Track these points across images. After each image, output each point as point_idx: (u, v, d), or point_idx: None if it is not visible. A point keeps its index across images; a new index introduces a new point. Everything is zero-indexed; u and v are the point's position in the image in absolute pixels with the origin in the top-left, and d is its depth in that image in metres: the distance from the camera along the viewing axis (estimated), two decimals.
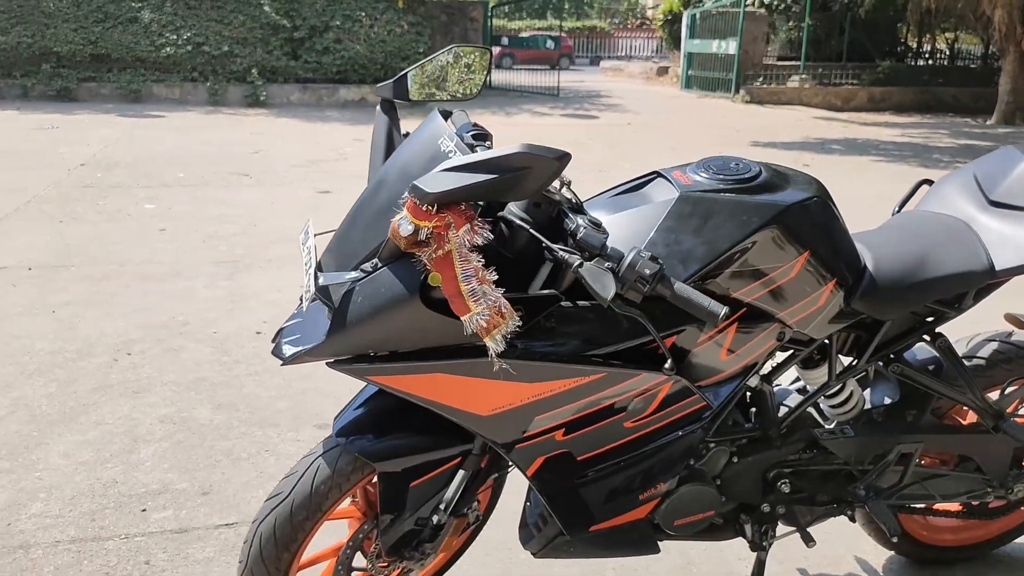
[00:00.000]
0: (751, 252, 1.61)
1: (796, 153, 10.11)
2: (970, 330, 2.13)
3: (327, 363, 1.56)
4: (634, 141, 10.91)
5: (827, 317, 1.77)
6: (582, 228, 1.51)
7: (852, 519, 2.04)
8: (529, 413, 1.59)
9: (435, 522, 1.78)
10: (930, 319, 1.91)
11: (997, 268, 1.81)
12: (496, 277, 1.41)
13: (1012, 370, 2.03)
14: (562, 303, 1.55)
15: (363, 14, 14.30)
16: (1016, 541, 2.37)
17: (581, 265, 1.43)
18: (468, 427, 1.61)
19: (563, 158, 1.36)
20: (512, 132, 11.39)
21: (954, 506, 2.19)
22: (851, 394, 1.99)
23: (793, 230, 1.64)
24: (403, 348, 1.53)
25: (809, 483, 1.96)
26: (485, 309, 1.37)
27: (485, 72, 1.86)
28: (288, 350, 1.56)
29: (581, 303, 1.56)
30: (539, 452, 1.65)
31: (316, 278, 1.52)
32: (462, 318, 1.38)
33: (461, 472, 1.77)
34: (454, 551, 2.06)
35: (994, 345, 2.05)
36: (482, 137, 1.83)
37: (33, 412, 3.05)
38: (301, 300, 1.57)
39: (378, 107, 1.84)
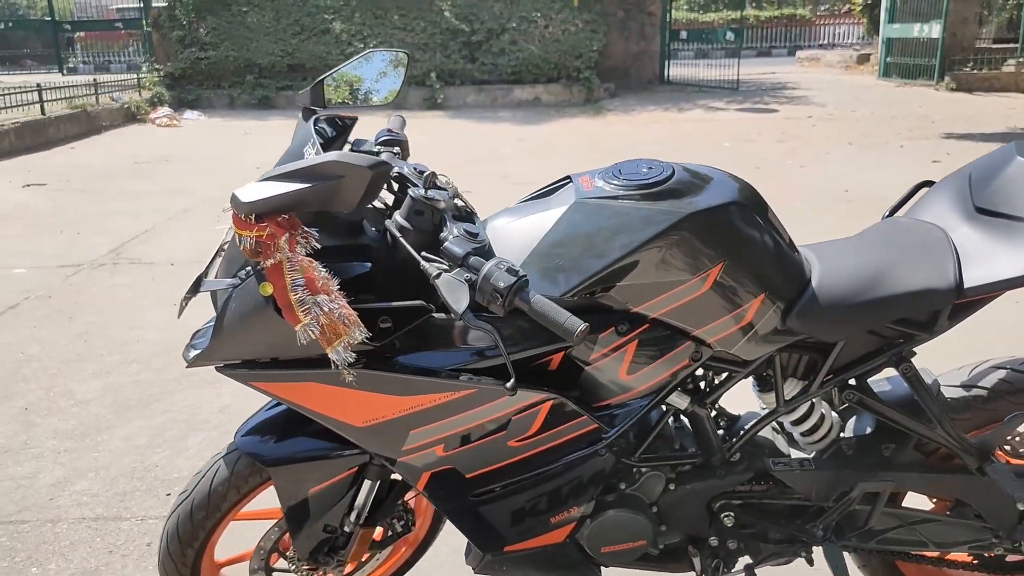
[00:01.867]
0: (649, 263, 1.47)
1: (993, 145, 9.09)
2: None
3: (215, 368, 1.59)
4: (808, 136, 10.26)
5: (759, 336, 1.58)
6: (450, 237, 1.46)
7: (809, 562, 1.80)
8: (403, 426, 1.54)
9: (346, 530, 1.78)
10: (901, 341, 1.66)
11: (965, 286, 1.54)
12: (337, 287, 1.38)
13: (1019, 403, 1.71)
14: (434, 315, 1.49)
15: (538, 15, 14.44)
16: None
17: (439, 276, 1.38)
18: (347, 437, 1.59)
19: (377, 166, 1.31)
20: (678, 128, 11.11)
21: (965, 557, 1.89)
22: (820, 422, 1.77)
23: (701, 239, 1.48)
24: (280, 356, 1.53)
25: (760, 517, 1.76)
26: (314, 320, 1.35)
27: (403, 76, 1.82)
28: (190, 353, 1.61)
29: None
30: (423, 467, 1.60)
31: (198, 283, 1.56)
32: (295, 328, 1.37)
33: (368, 482, 1.75)
34: (399, 561, 2.04)
35: (1000, 374, 1.73)
36: (392, 144, 1.80)
37: (117, 397, 3.35)
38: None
39: (300, 115, 1.85)
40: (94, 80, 12.65)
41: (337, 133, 1.74)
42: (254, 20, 14.40)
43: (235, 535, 1.85)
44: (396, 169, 1.66)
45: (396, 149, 1.78)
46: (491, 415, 1.53)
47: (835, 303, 1.57)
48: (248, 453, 1.68)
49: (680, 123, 11.70)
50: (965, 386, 1.74)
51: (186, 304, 1.56)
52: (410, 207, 1.52)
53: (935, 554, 1.85)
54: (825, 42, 27.25)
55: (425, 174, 1.55)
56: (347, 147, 1.78)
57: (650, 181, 1.53)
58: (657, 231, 1.46)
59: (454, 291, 1.35)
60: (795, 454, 1.80)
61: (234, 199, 1.33)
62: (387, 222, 1.54)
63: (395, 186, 1.67)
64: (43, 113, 10.48)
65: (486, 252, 1.47)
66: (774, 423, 1.85)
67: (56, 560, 2.33)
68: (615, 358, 1.55)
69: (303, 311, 1.34)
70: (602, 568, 1.80)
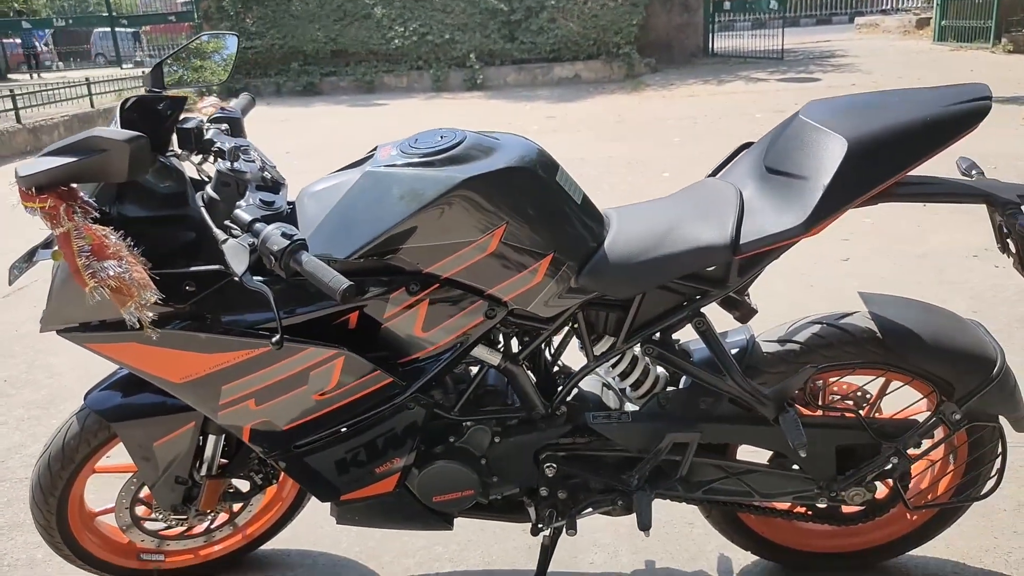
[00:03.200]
0: (428, 226, 1.55)
1: None
2: None
3: (56, 332, 1.73)
4: None
5: (553, 294, 1.65)
6: (243, 205, 1.57)
7: (627, 510, 1.85)
8: (215, 382, 1.66)
9: (197, 482, 1.91)
10: (698, 297, 1.70)
11: (741, 242, 1.57)
12: (128, 252, 1.49)
13: (831, 357, 1.74)
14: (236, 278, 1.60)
15: None
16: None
17: (225, 241, 1.50)
18: (171, 393, 1.71)
19: (134, 140, 1.42)
20: (713, 101, 10.95)
21: (801, 509, 1.93)
22: (643, 377, 1.83)
23: (480, 202, 1.56)
24: (104, 318, 1.66)
25: (581, 468, 1.83)
26: (99, 283, 1.46)
27: (233, 57, 1.92)
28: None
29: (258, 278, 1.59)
30: (241, 420, 1.71)
31: (32, 252, 1.70)
32: (84, 290, 1.49)
33: (212, 436, 1.88)
34: (275, 515, 2.17)
35: (814, 328, 1.76)
36: (221, 120, 1.91)
37: (87, 370, 3.56)
38: None
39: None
40: (143, 72, 13.12)
41: (171, 112, 1.85)
42: (298, 8, 14.70)
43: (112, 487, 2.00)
44: (218, 143, 1.78)
45: (224, 126, 1.89)
46: (289, 371, 1.64)
47: (622, 261, 1.63)
48: (94, 410, 1.83)
49: (717, 96, 11.52)
50: (780, 341, 1.77)
51: (19, 273, 1.70)
52: (217, 179, 1.64)
53: (768, 505, 1.89)
54: (888, 7, 26.27)
55: (229, 148, 1.66)
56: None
57: (437, 149, 1.61)
58: (434, 196, 1.54)
59: (236, 255, 1.46)
60: (623, 408, 1.86)
61: (16, 174, 1.46)
62: (198, 194, 1.66)
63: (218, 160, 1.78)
64: (92, 106, 10.97)
65: (275, 219, 1.57)
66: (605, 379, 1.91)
67: None
68: (409, 316, 1.64)
69: (88, 274, 1.46)
70: (454, 521, 1.91)
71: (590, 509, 1.86)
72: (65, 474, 1.88)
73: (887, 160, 1.54)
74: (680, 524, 2.24)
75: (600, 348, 1.77)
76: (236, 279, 1.44)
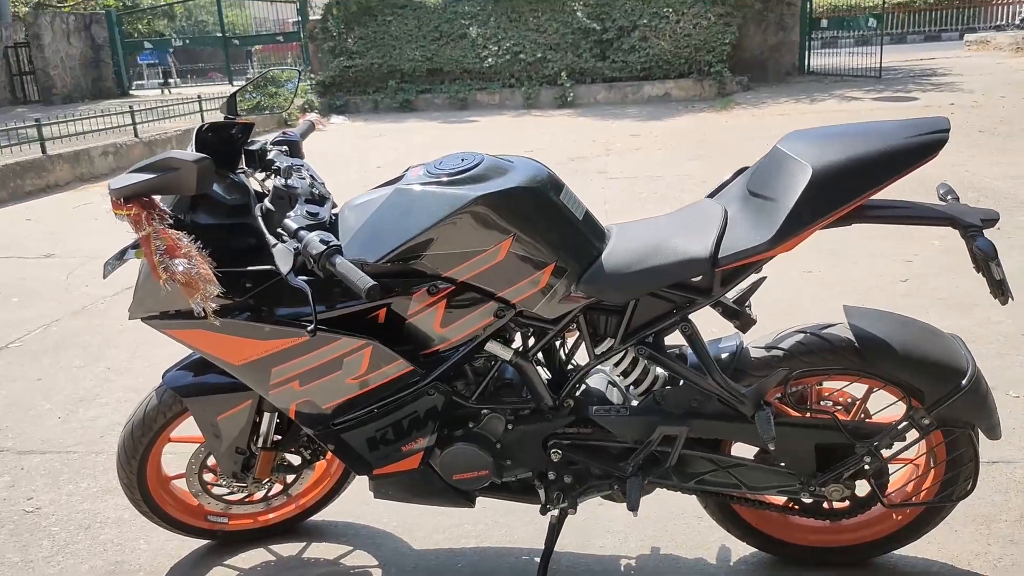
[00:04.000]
0: (446, 236, 1.80)
1: None
2: None
3: (141, 320, 2.05)
4: None
5: (556, 298, 1.87)
6: (291, 216, 1.86)
7: (622, 494, 2.04)
8: (267, 365, 1.94)
9: (254, 453, 2.21)
10: (688, 304, 1.90)
11: (719, 255, 1.76)
12: (198, 252, 1.80)
13: (810, 363, 1.90)
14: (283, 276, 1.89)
15: (670, 10, 14.44)
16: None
17: (275, 245, 1.79)
18: (231, 374, 2.01)
19: (200, 161, 1.71)
20: (802, 119, 10.89)
21: (788, 503, 2.09)
22: (643, 375, 2.03)
23: (491, 217, 1.79)
24: (180, 308, 1.97)
25: (583, 455, 2.04)
26: (170, 277, 1.77)
27: (296, 88, 2.22)
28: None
29: (302, 278, 1.88)
30: (288, 399, 1.99)
31: (123, 252, 2.03)
32: (159, 283, 1.80)
33: (267, 413, 2.18)
34: (324, 488, 2.45)
35: (798, 337, 1.93)
36: (282, 143, 2.21)
37: None
38: None
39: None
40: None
41: (241, 135, 2.16)
42: (397, 29, 15.29)
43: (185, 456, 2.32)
44: (277, 163, 2.08)
45: (284, 147, 2.18)
46: (326, 357, 1.91)
47: (616, 271, 1.84)
48: (170, 387, 2.15)
49: (807, 114, 11.43)
50: (767, 347, 1.95)
51: (112, 270, 2.03)
52: (273, 193, 1.94)
53: (757, 498, 2.06)
54: (1003, 22, 25.26)
55: (284, 167, 1.97)
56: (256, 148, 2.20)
57: (458, 169, 1.86)
58: (451, 210, 1.79)
59: (283, 257, 1.75)
60: (625, 404, 2.06)
61: (109, 188, 1.78)
62: (258, 205, 1.97)
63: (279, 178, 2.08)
64: (203, 120, 11.74)
65: (318, 227, 1.85)
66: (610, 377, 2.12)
67: (87, 480, 2.91)
68: (429, 313, 1.89)
69: (162, 269, 1.77)
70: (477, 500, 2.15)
71: (592, 492, 2.07)
72: (145, 440, 2.21)
73: (848, 186, 1.71)
74: (689, 517, 2.41)
75: (601, 348, 1.98)
76: (282, 277, 1.72)
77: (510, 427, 2.04)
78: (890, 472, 2.04)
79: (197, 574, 2.38)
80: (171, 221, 1.81)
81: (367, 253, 1.83)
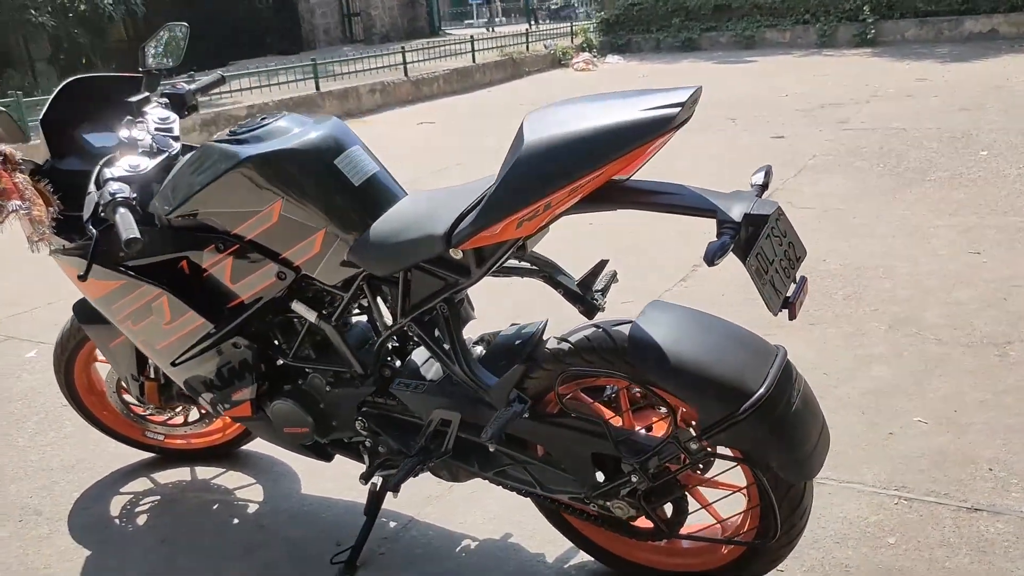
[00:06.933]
0: (220, 195, 1.80)
1: None
2: None
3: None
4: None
5: (332, 264, 1.80)
6: (110, 167, 1.96)
7: (436, 472, 1.93)
8: (107, 303, 2.08)
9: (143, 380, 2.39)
10: (458, 283, 1.71)
11: (454, 234, 1.58)
12: (31, 195, 1.97)
13: (590, 361, 1.62)
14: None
15: None
16: None
17: (89, 194, 1.91)
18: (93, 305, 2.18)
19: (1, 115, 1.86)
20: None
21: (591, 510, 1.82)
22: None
23: (259, 179, 1.76)
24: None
25: (383, 427, 1.94)
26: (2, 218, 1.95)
27: (185, 41, 2.27)
28: None
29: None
30: (132, 336, 2.12)
31: None
32: None
33: None
34: (233, 431, 2.57)
35: (589, 331, 1.65)
36: (170, 96, 2.27)
37: None
38: None
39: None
40: (526, 30, 14.27)
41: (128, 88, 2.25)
42: None
43: None
44: (140, 117, 2.17)
45: (165, 100, 2.24)
46: (139, 301, 2.00)
47: (375, 242, 1.72)
48: (74, 313, 2.38)
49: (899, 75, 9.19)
50: (559, 339, 1.70)
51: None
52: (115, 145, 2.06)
53: (562, 501, 1.84)
54: None
55: (125, 120, 2.07)
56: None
57: (251, 128, 1.83)
58: (224, 169, 1.77)
59: (88, 204, 1.86)
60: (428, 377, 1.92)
61: None
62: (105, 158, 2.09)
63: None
64: (473, 61, 12.29)
65: (133, 180, 1.91)
66: None
67: None
68: (219, 268, 1.90)
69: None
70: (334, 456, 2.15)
71: (382, 467, 1.96)
72: (64, 357, 2.47)
73: (558, 168, 1.41)
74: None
75: (388, 321, 1.85)
76: (84, 222, 1.83)
77: (328, 388, 2.00)
78: (710, 500, 1.70)
79: (130, 469, 2.63)
80: (23, 167, 1.99)
81: (165, 206, 1.88)
